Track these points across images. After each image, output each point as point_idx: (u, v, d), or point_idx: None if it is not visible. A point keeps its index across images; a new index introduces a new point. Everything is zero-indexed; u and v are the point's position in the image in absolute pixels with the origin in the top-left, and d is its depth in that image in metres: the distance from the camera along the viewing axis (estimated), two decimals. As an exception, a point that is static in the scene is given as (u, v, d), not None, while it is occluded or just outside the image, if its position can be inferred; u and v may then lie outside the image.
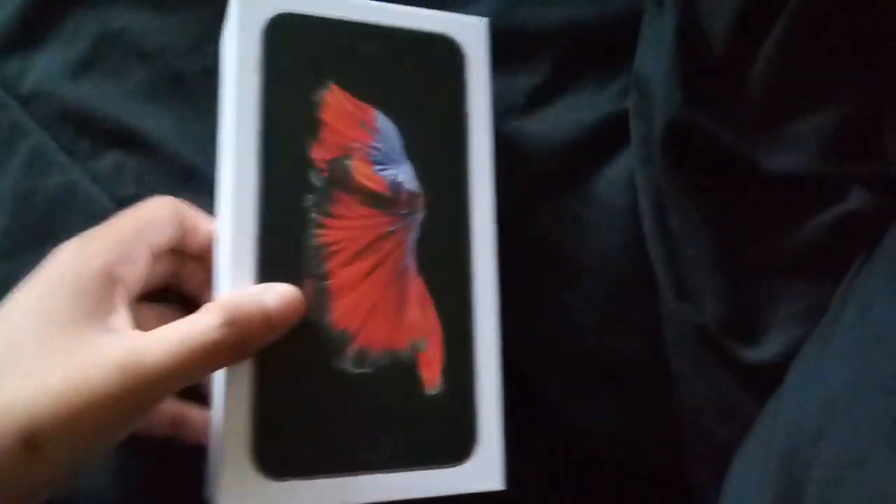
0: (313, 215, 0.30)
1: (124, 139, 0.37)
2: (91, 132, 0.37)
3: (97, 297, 0.26)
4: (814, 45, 0.32)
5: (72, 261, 0.27)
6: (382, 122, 0.32)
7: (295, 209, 0.30)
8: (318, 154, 0.30)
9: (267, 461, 0.28)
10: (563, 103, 0.38)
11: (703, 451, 0.35)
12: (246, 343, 0.27)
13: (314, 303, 0.29)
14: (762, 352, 0.33)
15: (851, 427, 0.27)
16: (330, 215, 0.30)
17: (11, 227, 0.36)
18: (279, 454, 0.28)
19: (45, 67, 0.38)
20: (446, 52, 0.33)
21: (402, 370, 0.30)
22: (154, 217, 0.29)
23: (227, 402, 0.28)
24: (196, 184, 0.36)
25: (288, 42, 0.31)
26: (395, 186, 0.31)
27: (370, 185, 0.31)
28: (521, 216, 0.36)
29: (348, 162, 0.31)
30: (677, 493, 0.35)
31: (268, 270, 0.29)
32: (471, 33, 0.34)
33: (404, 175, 0.31)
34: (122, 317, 0.27)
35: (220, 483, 0.27)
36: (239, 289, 0.28)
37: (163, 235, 0.30)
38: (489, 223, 0.32)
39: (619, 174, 0.37)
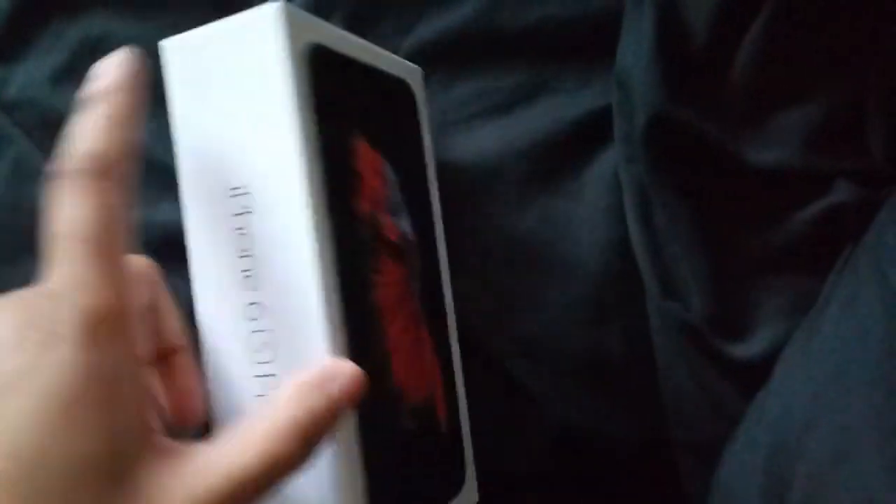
0: (371, 277, 0.27)
1: None
2: None
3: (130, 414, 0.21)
4: (797, 36, 0.31)
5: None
6: (388, 170, 0.29)
7: (361, 270, 0.27)
8: (359, 207, 0.27)
9: None
10: (545, 102, 0.38)
11: (690, 448, 0.34)
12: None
13: (380, 364, 0.27)
14: (749, 348, 0.33)
15: (836, 421, 0.27)
16: (378, 273, 0.28)
17: None
18: None
19: (27, 75, 0.38)
20: (406, 96, 0.33)
21: (431, 415, 0.31)
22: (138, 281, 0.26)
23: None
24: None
25: (327, 79, 0.26)
26: (404, 236, 0.30)
27: (392, 237, 0.29)
28: (506, 215, 0.36)
29: (379, 215, 0.28)
30: (665, 491, 0.35)
31: (355, 338, 0.25)
32: (415, 78, 0.34)
33: (406, 224, 0.30)
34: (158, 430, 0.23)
35: None
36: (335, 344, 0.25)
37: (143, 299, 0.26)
38: (444, 259, 0.34)
39: (604, 172, 0.37)
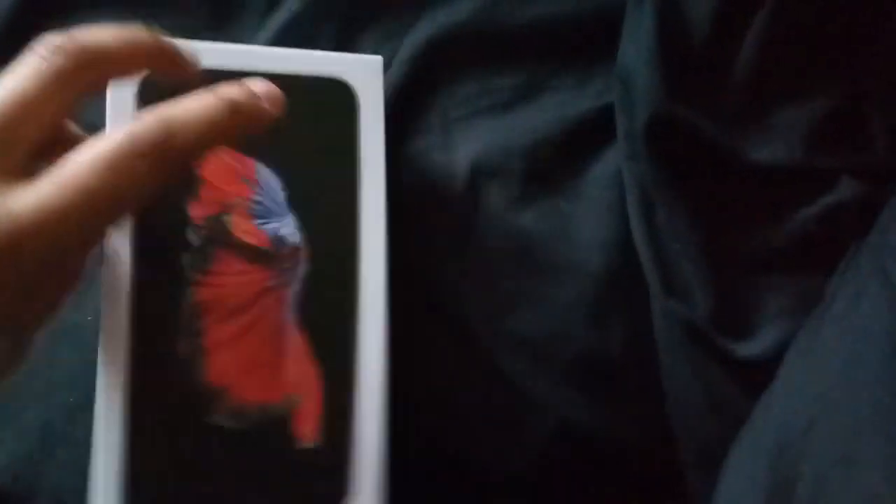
0: (189, 273, 0.30)
1: None
2: None
3: None
4: (797, 34, 0.31)
5: None
6: (264, 173, 0.31)
7: (171, 268, 0.30)
8: (196, 212, 0.30)
9: None
10: (546, 101, 0.37)
11: (694, 449, 0.34)
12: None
13: (188, 361, 0.29)
14: (753, 347, 0.33)
15: (841, 421, 0.27)
16: (207, 273, 0.30)
17: None
18: None
19: None
20: (337, 96, 0.32)
21: (275, 425, 0.30)
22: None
23: (97, 460, 0.28)
24: None
25: (162, 99, 0.28)
26: (277, 240, 0.31)
27: (250, 240, 0.30)
28: (507, 213, 0.36)
29: (227, 218, 0.30)
30: (669, 493, 0.35)
31: (142, 330, 0.29)
32: (365, 73, 0.33)
33: (286, 228, 0.31)
34: None
35: None
36: (114, 347, 0.29)
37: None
38: (380, 270, 0.31)
39: (606, 170, 0.36)
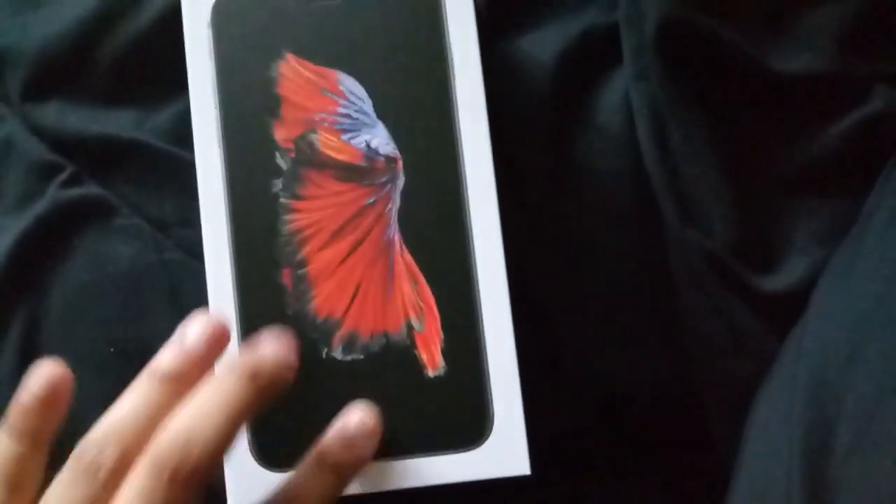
0: (283, 200, 0.29)
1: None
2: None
3: None
4: None
5: None
6: (348, 83, 0.29)
7: (264, 197, 0.29)
8: (281, 134, 0.29)
9: (268, 454, 0.28)
10: (545, 25, 0.34)
11: (719, 393, 0.31)
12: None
13: (295, 292, 0.28)
14: (780, 279, 0.30)
15: (886, 349, 0.24)
16: (300, 198, 0.29)
17: None
18: (278, 447, 0.28)
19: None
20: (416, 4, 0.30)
21: (399, 353, 0.28)
22: None
23: None
24: None
25: (237, 22, 0.29)
26: (370, 153, 0.29)
27: (341, 156, 0.29)
28: (512, 150, 0.33)
29: (314, 136, 0.29)
30: (692, 441, 0.32)
31: (245, 266, 0.28)
32: None
33: (379, 139, 0.29)
34: None
35: (225, 478, 0.28)
36: (221, 291, 0.28)
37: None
38: (487, 176, 0.29)
39: (613, 95, 0.33)
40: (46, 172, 0.34)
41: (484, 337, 0.28)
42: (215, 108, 0.29)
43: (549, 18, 0.34)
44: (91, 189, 0.34)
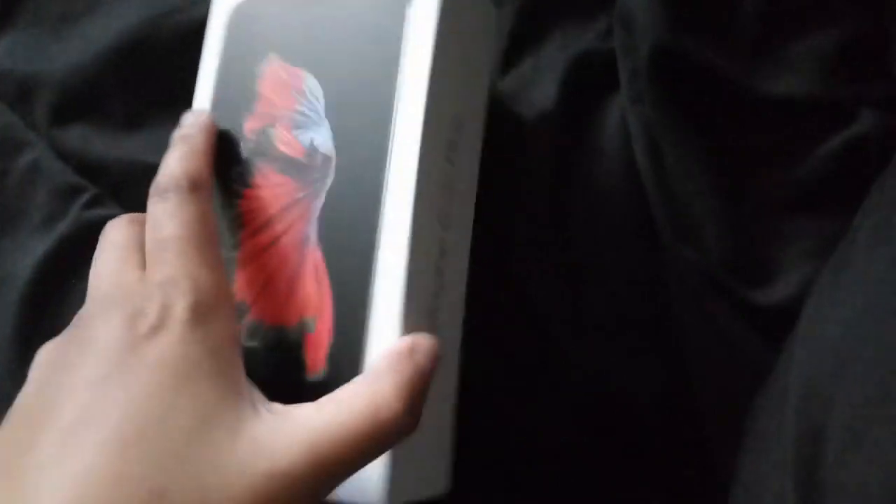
0: (235, 187, 0.30)
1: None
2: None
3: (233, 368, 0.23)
4: None
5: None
6: (311, 84, 0.30)
7: (227, 184, 0.30)
8: (249, 125, 0.30)
9: None
10: (548, 51, 0.36)
11: (715, 405, 0.32)
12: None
13: (228, 274, 0.29)
14: (773, 293, 0.31)
15: (874, 357, 0.25)
16: (249, 186, 0.30)
17: None
18: None
19: (8, 46, 0.37)
20: (390, 6, 0.29)
21: (287, 350, 0.28)
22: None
23: None
24: None
25: (247, 24, 0.31)
26: (311, 150, 0.29)
27: (287, 151, 0.30)
28: (515, 170, 0.34)
29: (271, 130, 0.30)
30: (689, 452, 0.33)
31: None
32: None
33: (322, 137, 0.29)
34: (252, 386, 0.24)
35: None
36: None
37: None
38: (408, 188, 0.28)
39: (612, 118, 0.34)
40: (70, 194, 0.35)
41: (366, 350, 0.27)
42: (210, 101, 0.31)
43: (550, 45, 0.36)
44: (113, 210, 0.35)
